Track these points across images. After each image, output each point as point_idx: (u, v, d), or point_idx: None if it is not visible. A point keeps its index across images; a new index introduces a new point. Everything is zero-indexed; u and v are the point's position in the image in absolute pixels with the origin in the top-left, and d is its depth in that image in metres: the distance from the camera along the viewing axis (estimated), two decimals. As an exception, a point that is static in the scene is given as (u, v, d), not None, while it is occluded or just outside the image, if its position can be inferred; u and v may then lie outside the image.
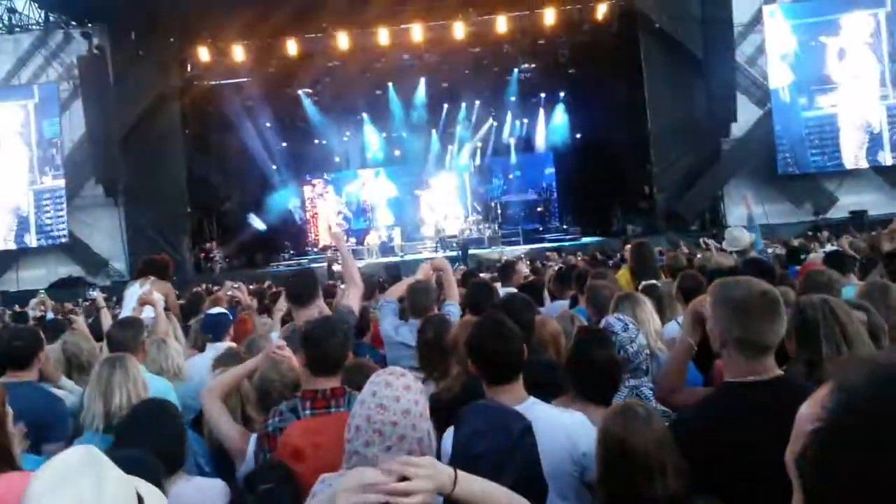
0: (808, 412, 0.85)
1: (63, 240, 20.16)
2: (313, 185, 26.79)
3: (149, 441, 2.24)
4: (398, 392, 2.03)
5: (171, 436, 2.43)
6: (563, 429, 2.53)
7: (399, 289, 4.75)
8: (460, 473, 1.77)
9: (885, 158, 18.91)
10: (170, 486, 2.22)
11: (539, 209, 25.75)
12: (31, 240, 20.24)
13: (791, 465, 0.85)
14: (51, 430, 3.19)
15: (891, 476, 0.71)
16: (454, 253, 19.73)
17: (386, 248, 23.11)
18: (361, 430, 2.01)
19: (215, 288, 10.53)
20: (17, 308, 10.69)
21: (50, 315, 7.63)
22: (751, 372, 2.10)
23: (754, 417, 1.99)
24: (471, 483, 1.79)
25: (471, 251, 19.78)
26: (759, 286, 2.14)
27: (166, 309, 5.78)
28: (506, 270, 6.59)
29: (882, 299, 3.23)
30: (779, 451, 1.00)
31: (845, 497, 0.75)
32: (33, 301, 8.39)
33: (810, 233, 13.26)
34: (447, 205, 25.52)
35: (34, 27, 20.88)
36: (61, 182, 20.08)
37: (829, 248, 8.10)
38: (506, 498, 1.83)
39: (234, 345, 4.42)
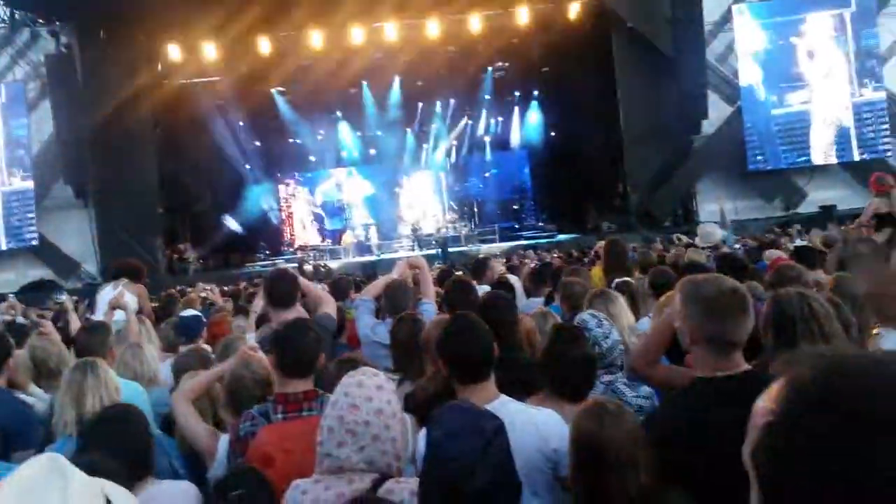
0: (762, 406, 0.85)
1: (33, 242, 19.80)
2: (288, 185, 26.61)
3: (116, 445, 2.21)
4: (370, 392, 2.02)
5: (139, 440, 2.41)
6: (534, 425, 2.54)
7: (375, 287, 4.73)
8: None
9: (854, 154, 19.28)
10: (138, 491, 2.19)
11: (515, 207, 25.85)
12: (1, 243, 19.86)
13: (747, 458, 0.86)
14: (20, 437, 3.15)
15: (837, 467, 0.73)
16: (432, 251, 19.73)
17: (362, 248, 23.04)
18: (334, 432, 2.00)
19: (188, 289, 10.43)
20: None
21: (20, 319, 7.49)
22: (719, 368, 2.13)
23: (724, 412, 2.00)
24: None
25: (449, 249, 19.79)
26: (728, 283, 2.16)
27: (139, 312, 5.73)
28: (478, 268, 6.60)
29: (849, 294, 3.29)
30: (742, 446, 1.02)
31: (796, 489, 0.76)
32: (2, 305, 8.22)
33: (778, 228, 13.47)
34: (423, 203, 25.51)
35: (0, 26, 20.48)
36: (30, 183, 19.71)
37: (798, 242, 8.25)
38: None
39: (206, 346, 4.38)
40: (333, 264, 20.21)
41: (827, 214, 16.92)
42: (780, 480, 0.79)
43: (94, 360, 2.99)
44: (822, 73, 19.21)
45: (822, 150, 19.34)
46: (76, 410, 2.80)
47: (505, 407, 2.53)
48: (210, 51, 19.33)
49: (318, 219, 26.28)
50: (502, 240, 21.93)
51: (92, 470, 1.48)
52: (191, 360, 3.75)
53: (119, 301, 4.99)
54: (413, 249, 21.24)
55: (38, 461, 1.40)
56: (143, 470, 2.37)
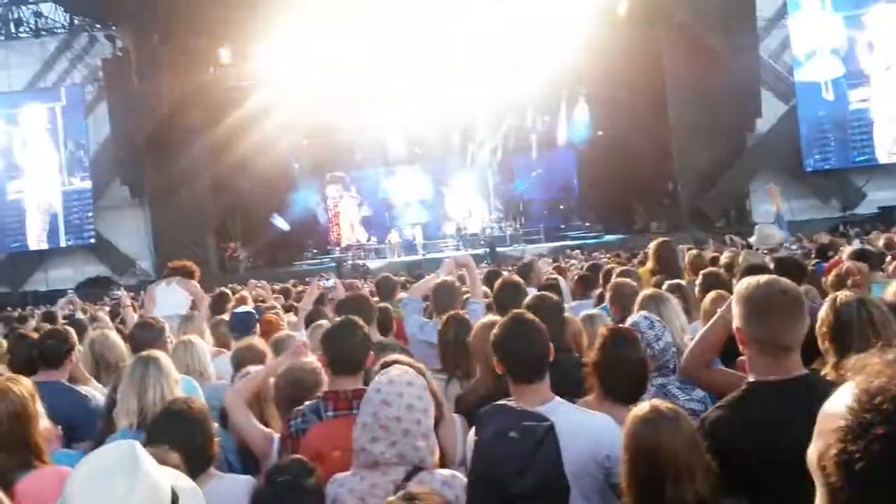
0: (832, 410, 0.83)
1: (90, 240, 20.46)
2: (335, 184, 26.87)
3: (180, 439, 2.25)
4: (401, 388, 2.08)
5: (202, 433, 2.44)
6: (587, 430, 2.51)
7: (423, 286, 4.75)
8: None
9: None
10: (201, 484, 2.24)
11: (561, 206, 25.58)
12: (61, 240, 20.58)
13: (813, 463, 0.84)
14: (80, 429, 3.24)
15: None
16: (478, 251, 19.69)
17: (408, 247, 23.14)
18: (367, 427, 2.06)
19: (240, 287, 10.62)
20: (46, 307, 10.86)
21: (79, 314, 7.74)
22: (772, 371, 2.07)
23: (779, 417, 1.96)
24: None
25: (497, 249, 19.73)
26: (780, 285, 2.11)
27: (193, 308, 5.86)
28: (524, 272, 6.56)
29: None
30: (804, 450, 1.00)
31: (868, 497, 0.75)
32: (61, 301, 8.52)
33: (838, 230, 13.07)
34: (469, 202, 25.47)
35: (59, 30, 21.21)
36: (88, 184, 20.39)
37: (856, 244, 7.97)
38: None
39: (258, 342, 4.45)
40: (379, 263, 20.37)
41: (887, 215, 16.33)
42: (849, 487, 0.77)
43: (155, 354, 3.05)
44: (882, 66, 18.54)
45: (883, 149, 18.67)
46: (138, 402, 2.85)
47: (558, 409, 2.51)
48: (261, 53, 19.65)
49: (365, 218, 26.48)
50: (548, 240, 21.78)
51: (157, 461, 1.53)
52: (248, 354, 3.81)
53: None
54: (458, 249, 21.24)
55: (118, 446, 1.47)
56: (205, 463, 2.41)
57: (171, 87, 19.49)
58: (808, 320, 2.11)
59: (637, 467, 2.09)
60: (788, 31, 18.90)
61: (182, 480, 1.60)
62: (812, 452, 0.85)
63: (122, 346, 4.19)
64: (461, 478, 2.18)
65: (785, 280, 2.17)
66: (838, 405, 0.82)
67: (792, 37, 18.84)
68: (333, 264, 19.24)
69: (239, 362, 3.79)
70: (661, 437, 2.02)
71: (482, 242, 21.08)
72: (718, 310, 2.70)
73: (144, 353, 3.10)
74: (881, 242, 6.18)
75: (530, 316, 2.75)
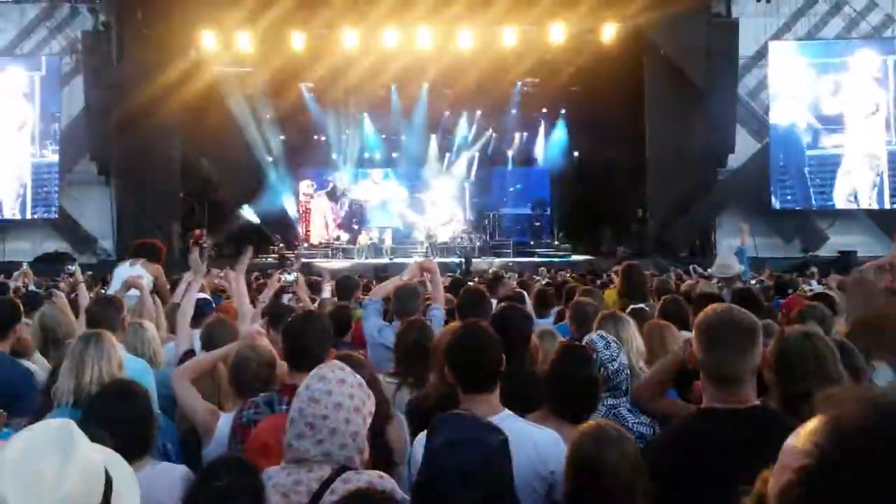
0: (797, 446, 0.80)
1: (53, 215, 20.02)
2: (308, 181, 26.71)
3: (117, 421, 2.20)
4: (331, 386, 2.04)
5: (140, 418, 2.39)
6: (534, 444, 2.50)
7: (384, 288, 4.71)
8: None
9: (882, 202, 19.05)
10: (135, 469, 2.19)
11: (532, 223, 25.76)
12: (27, 212, 20.12)
13: (774, 500, 0.82)
14: (19, 403, 3.16)
15: None
16: (447, 259, 19.70)
17: (376, 250, 23.06)
18: (294, 423, 2.04)
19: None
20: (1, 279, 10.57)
21: (33, 288, 7.56)
22: (723, 399, 2.09)
23: (726, 446, 1.98)
24: None
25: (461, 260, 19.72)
26: (734, 315, 2.13)
27: (154, 291, 5.76)
28: (494, 283, 6.58)
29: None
30: (748, 481, 0.99)
31: None
32: (16, 273, 8.31)
33: (807, 269, 13.31)
34: (441, 211, 25.50)
35: (40, -1, 20.77)
36: (56, 157, 19.95)
37: (814, 284, 8.14)
38: None
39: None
40: (346, 264, 20.25)
41: (846, 259, 16.72)
42: None
43: (99, 332, 2.98)
44: (860, 116, 19.00)
45: (847, 194, 19.13)
46: (75, 380, 2.79)
47: (506, 421, 2.49)
48: (244, 41, 19.48)
49: (336, 217, 26.33)
50: (516, 255, 21.88)
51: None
52: (220, 330, 3.81)
53: (136, 282, 5.02)
54: (427, 256, 21.21)
55: (50, 424, 1.42)
56: (142, 449, 2.35)
57: (150, 66, 19.18)
58: (760, 353, 2.13)
59: (578, 483, 2.10)
60: (767, 71, 19.31)
61: (117, 464, 1.55)
62: (773, 486, 0.83)
63: (72, 321, 4.10)
64: (389, 478, 2.16)
65: (741, 311, 2.19)
66: (804, 441, 0.79)
67: (770, 77, 19.26)
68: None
69: (209, 337, 3.76)
70: (603, 454, 2.02)
71: (457, 253, 21.04)
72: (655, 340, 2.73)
73: (88, 331, 3.04)
74: (834, 285, 6.32)
75: (485, 325, 2.75)
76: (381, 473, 2.11)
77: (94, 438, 1.57)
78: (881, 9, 19.11)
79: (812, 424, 0.80)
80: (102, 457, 1.50)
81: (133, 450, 2.17)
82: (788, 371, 2.40)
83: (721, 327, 2.09)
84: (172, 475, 2.39)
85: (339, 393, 2.03)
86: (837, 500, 0.72)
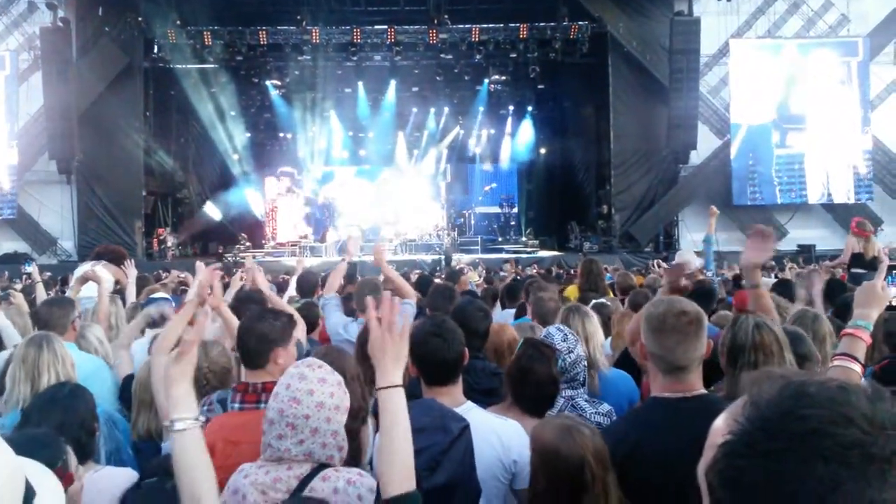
0: (721, 425, 0.86)
1: (11, 215, 19.54)
2: (276, 179, 26.51)
3: (57, 424, 2.15)
4: (312, 385, 2.03)
5: (81, 423, 2.33)
6: (496, 435, 2.55)
7: (334, 281, 4.70)
8: (396, 390, 1.81)
9: (847, 198, 19.51)
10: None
11: (500, 220, 25.90)
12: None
13: (701, 477, 0.86)
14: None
15: (791, 489, 0.73)
16: (416, 257, 19.71)
17: (344, 247, 22.92)
18: (275, 424, 2.02)
19: (164, 274, 10.34)
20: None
21: (-11, 289, 7.40)
22: (671, 388, 2.14)
23: (673, 433, 2.02)
24: (398, 400, 1.82)
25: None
26: (679, 306, 2.18)
27: (116, 292, 5.67)
28: (453, 277, 6.62)
29: (812, 328, 3.34)
30: (692, 466, 1.03)
31: None
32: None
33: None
34: (408, 208, 25.48)
35: (-4, -7, 20.24)
36: (15, 155, 19.46)
37: (772, 278, 8.33)
38: (405, 435, 1.81)
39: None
40: (315, 262, 20.12)
41: (805, 253, 17.12)
42: (732, 499, 0.79)
43: (49, 335, 2.92)
44: (826, 115, 19.42)
45: (817, 192, 19.59)
46: (31, 386, 2.74)
47: (469, 413, 2.53)
48: (207, 38, 19.21)
49: (303, 215, 26.17)
50: (484, 251, 21.95)
51: (30, 444, 1.41)
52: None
53: (93, 275, 4.89)
54: (395, 253, 21.17)
55: None
56: (84, 452, 2.29)
57: (110, 63, 18.85)
58: (706, 342, 2.19)
59: (543, 474, 2.13)
60: (728, 69, 19.65)
61: (37, 474, 1.46)
62: (700, 466, 0.87)
63: (28, 322, 4.02)
64: (368, 476, 2.17)
65: (685, 302, 2.24)
66: (727, 420, 0.84)
67: (731, 75, 19.60)
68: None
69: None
70: (584, 454, 2.05)
71: (437, 249, 20.96)
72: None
73: (38, 333, 2.98)
74: (791, 274, 6.52)
75: (448, 320, 2.78)
76: (362, 471, 2.11)
77: (31, 441, 1.51)
78: (837, 8, 19.54)
79: (736, 404, 0.85)
80: (27, 468, 1.41)
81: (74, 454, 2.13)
82: (738, 358, 2.47)
83: (670, 318, 2.13)
84: (114, 480, 2.33)
85: (320, 392, 2.02)
86: (753, 471, 0.77)
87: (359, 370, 2.68)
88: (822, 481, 0.72)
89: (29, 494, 1.31)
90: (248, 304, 3.61)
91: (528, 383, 2.79)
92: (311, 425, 2.00)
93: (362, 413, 2.49)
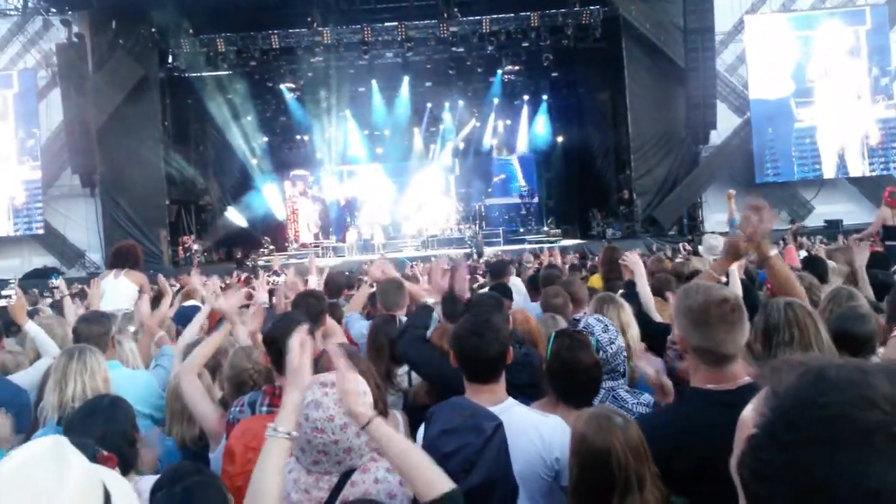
0: (748, 418, 0.84)
1: (38, 231, 19.85)
2: (294, 182, 26.66)
3: (99, 436, 2.16)
4: (330, 411, 2.01)
5: (123, 432, 2.33)
6: (538, 432, 2.51)
7: (359, 300, 4.75)
8: (376, 420, 1.87)
9: (863, 170, 19.20)
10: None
11: (521, 211, 25.81)
12: (9, 229, 19.93)
13: (734, 471, 0.84)
14: (15, 419, 3.13)
15: (814, 479, 0.72)
16: (440, 252, 19.67)
17: (366, 246, 23.00)
18: (306, 452, 2.04)
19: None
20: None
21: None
22: (713, 380, 2.06)
23: (716, 427, 1.96)
24: (379, 428, 1.87)
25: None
26: (719, 293, 2.09)
27: (155, 298, 5.73)
28: (500, 269, 6.62)
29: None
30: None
31: (782, 501, 0.75)
32: (3, 291, 8.25)
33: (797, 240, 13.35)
34: (429, 204, 25.48)
35: (12, 12, 20.49)
36: (38, 172, 19.75)
37: (803, 254, 8.17)
38: (406, 448, 1.87)
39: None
40: (336, 262, 20.19)
41: (833, 228, 16.84)
42: (764, 492, 0.78)
43: (84, 347, 2.94)
44: (832, 86, 19.11)
45: (831, 164, 19.26)
46: (58, 396, 2.76)
47: (511, 410, 2.51)
48: (220, 45, 19.34)
49: (325, 217, 26.30)
50: (506, 243, 21.89)
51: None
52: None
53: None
54: (418, 250, 21.18)
55: (42, 442, 1.38)
56: (124, 465, 2.27)
57: (126, 75, 19.04)
58: (748, 327, 2.12)
59: (584, 469, 2.09)
60: (744, 46, 19.36)
61: (111, 478, 1.52)
62: (732, 462, 0.85)
63: (68, 333, 4.07)
64: (394, 474, 2.17)
65: (722, 288, 2.17)
66: (752, 412, 0.83)
67: (747, 52, 19.30)
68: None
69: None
70: (609, 441, 2.01)
71: (468, 243, 20.92)
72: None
73: (73, 346, 3.00)
74: (822, 251, 6.36)
75: (491, 319, 2.74)
76: (388, 467, 2.11)
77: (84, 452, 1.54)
78: (853, -23, 19.20)
79: (759, 395, 0.83)
80: (98, 471, 1.47)
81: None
82: (772, 339, 2.40)
83: (712, 307, 2.04)
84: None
85: (340, 414, 2.00)
86: (780, 463, 0.75)
87: (370, 364, 2.72)
88: (851, 468, 0.71)
89: (106, 494, 1.39)
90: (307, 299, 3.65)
91: (576, 372, 2.73)
92: (343, 447, 2.02)
93: (380, 405, 2.50)
